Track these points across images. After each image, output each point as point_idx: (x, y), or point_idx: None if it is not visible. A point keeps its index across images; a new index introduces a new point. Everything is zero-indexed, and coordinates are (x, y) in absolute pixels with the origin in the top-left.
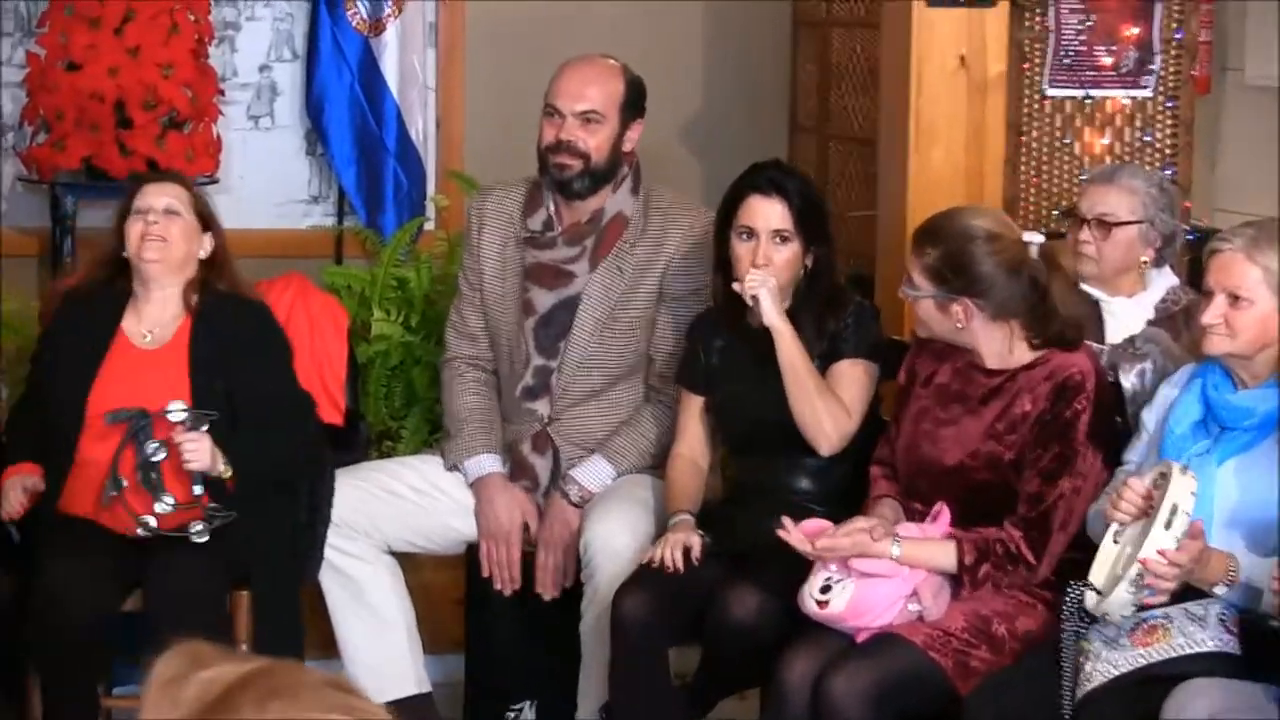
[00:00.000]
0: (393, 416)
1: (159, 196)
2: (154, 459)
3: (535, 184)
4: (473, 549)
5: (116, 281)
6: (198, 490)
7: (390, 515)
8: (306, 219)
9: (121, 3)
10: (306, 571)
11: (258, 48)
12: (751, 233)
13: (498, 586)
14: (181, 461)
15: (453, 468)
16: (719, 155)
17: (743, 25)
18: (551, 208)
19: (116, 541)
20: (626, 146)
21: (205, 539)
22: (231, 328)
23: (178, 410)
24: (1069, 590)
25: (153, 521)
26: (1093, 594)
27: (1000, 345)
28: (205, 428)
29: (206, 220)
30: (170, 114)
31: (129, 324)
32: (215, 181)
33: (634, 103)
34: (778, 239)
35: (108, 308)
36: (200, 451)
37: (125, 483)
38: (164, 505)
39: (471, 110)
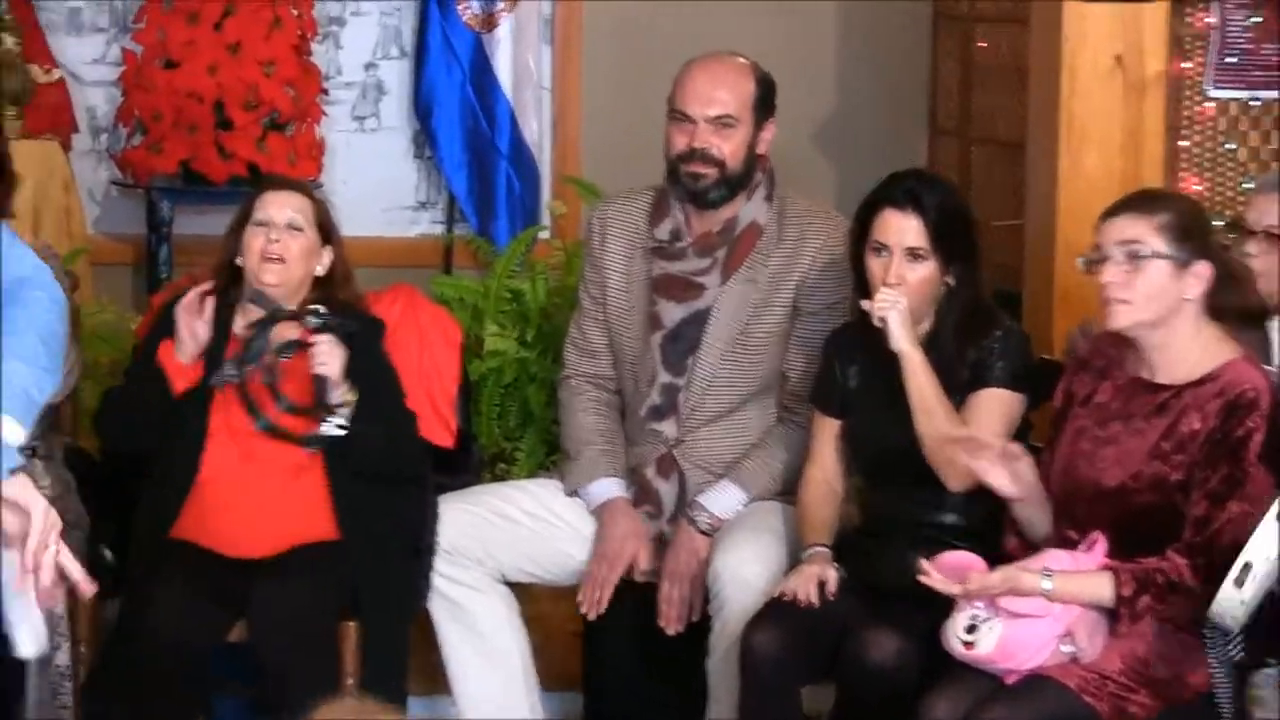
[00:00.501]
0: (507, 438)
1: (282, 209)
2: (281, 355)
3: (661, 191)
4: None
5: (228, 290)
6: (321, 400)
7: (505, 542)
8: (414, 226)
9: None
10: (415, 602)
11: (363, 44)
12: (885, 249)
13: (580, 603)
14: (311, 364)
15: (572, 493)
16: (853, 159)
17: (879, 20)
18: (680, 216)
19: (224, 568)
20: (760, 149)
21: (316, 449)
22: (353, 345)
23: (315, 314)
24: (1208, 629)
25: (266, 417)
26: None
27: (1186, 345)
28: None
29: (327, 233)
30: (272, 115)
31: (240, 322)
32: (318, 186)
33: (766, 102)
34: (912, 257)
35: (217, 317)
36: (333, 358)
37: (239, 372)
38: (283, 404)
39: (589, 111)
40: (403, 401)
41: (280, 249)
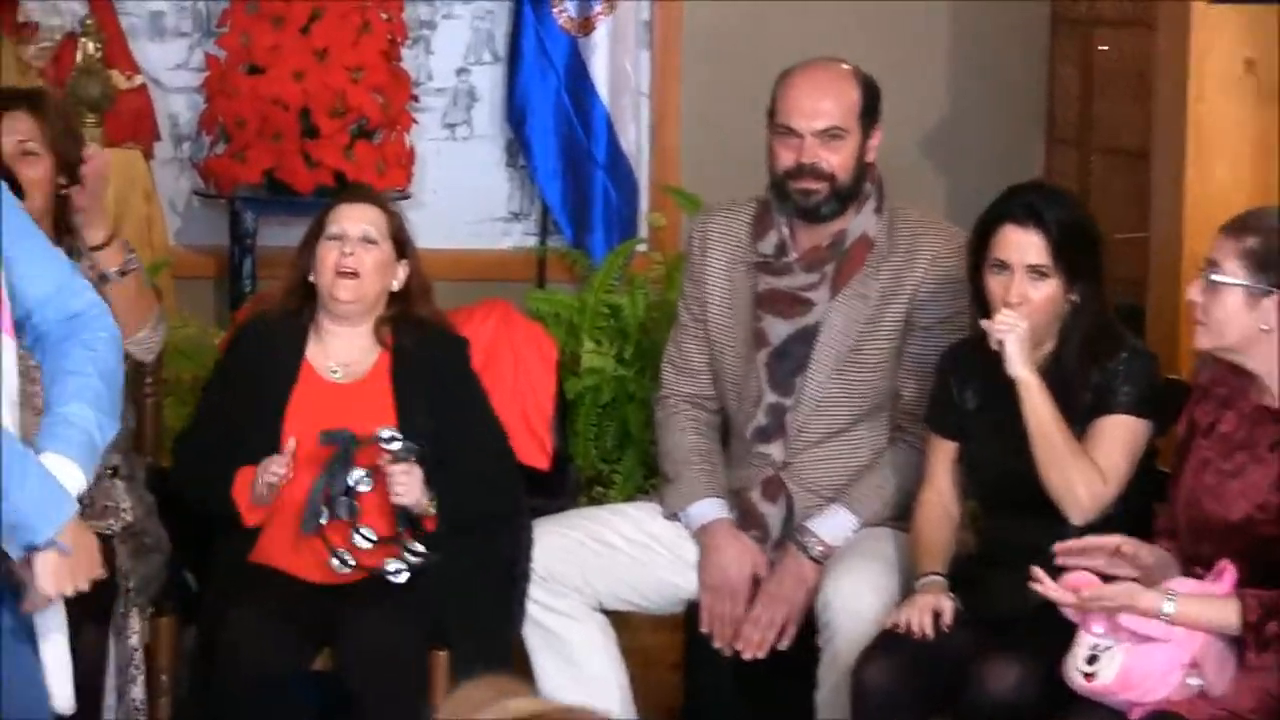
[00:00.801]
0: (604, 459)
1: (355, 222)
2: (358, 488)
3: (764, 203)
4: (693, 608)
5: (303, 309)
6: (400, 527)
7: (602, 569)
8: (506, 238)
9: (309, 2)
10: (509, 630)
11: (455, 49)
12: (1005, 266)
13: (718, 644)
14: (388, 494)
15: (672, 516)
16: (966, 169)
17: (994, 22)
18: (785, 230)
19: (307, 594)
20: (869, 158)
21: (403, 578)
22: (434, 364)
23: (390, 437)
24: None
25: (350, 557)
26: None
27: None
28: (413, 459)
29: (402, 246)
30: (359, 122)
31: (314, 355)
32: (407, 196)
33: (872, 108)
34: (1034, 275)
35: (291, 337)
36: (411, 485)
37: (326, 512)
38: (362, 540)
39: (688, 118)
40: (495, 424)
41: (354, 263)
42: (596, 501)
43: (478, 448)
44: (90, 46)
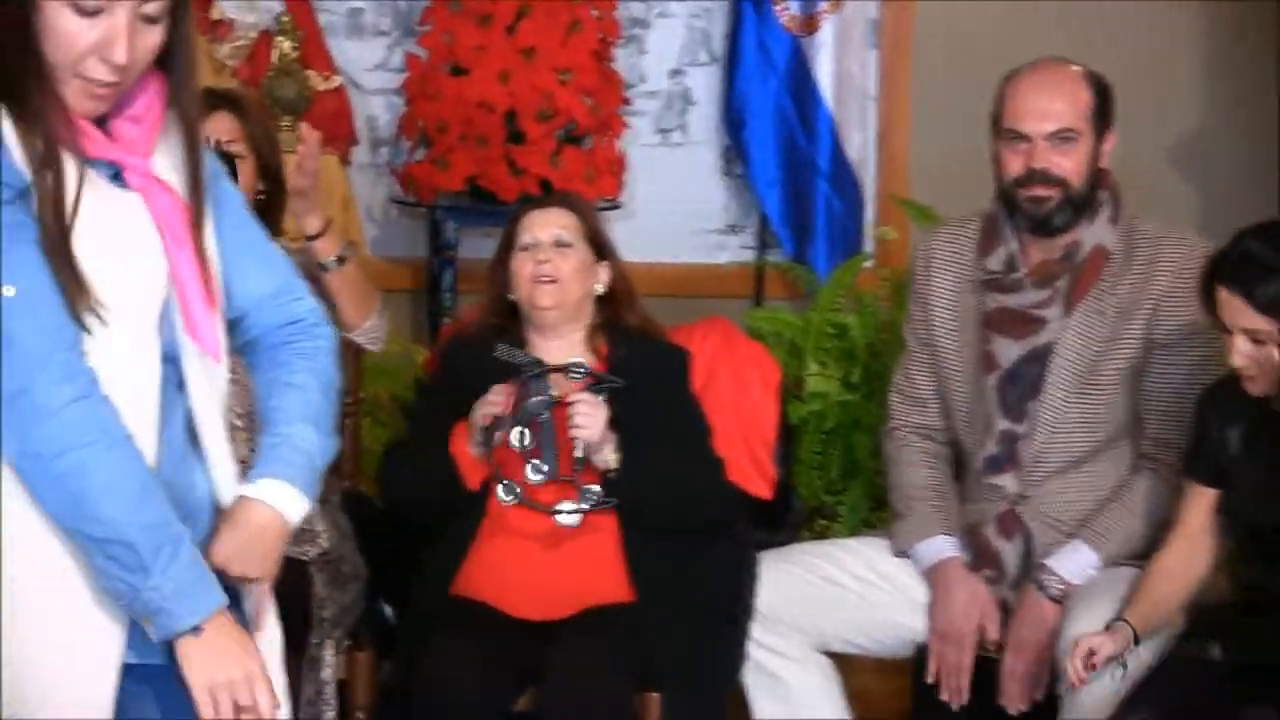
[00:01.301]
0: (828, 490)
1: (546, 228)
2: (539, 416)
3: (990, 216)
4: (922, 651)
5: (507, 327)
6: (577, 466)
7: (828, 608)
8: (722, 252)
9: None
10: (728, 672)
11: (669, 49)
12: (1227, 329)
13: (944, 696)
14: (569, 426)
15: (901, 553)
16: (1216, 181)
17: (1248, 20)
18: (1014, 244)
19: (513, 630)
20: (1103, 163)
21: (574, 521)
22: (652, 375)
23: (578, 364)
24: None
25: (518, 488)
26: None
27: None
28: (604, 397)
29: (601, 248)
30: (568, 126)
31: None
32: (617, 206)
33: (1105, 111)
34: (1253, 338)
35: (495, 364)
36: (594, 420)
37: (499, 436)
38: (536, 471)
39: (918, 124)
40: (708, 443)
41: (551, 269)
42: (820, 535)
43: (692, 460)
44: (286, 45)
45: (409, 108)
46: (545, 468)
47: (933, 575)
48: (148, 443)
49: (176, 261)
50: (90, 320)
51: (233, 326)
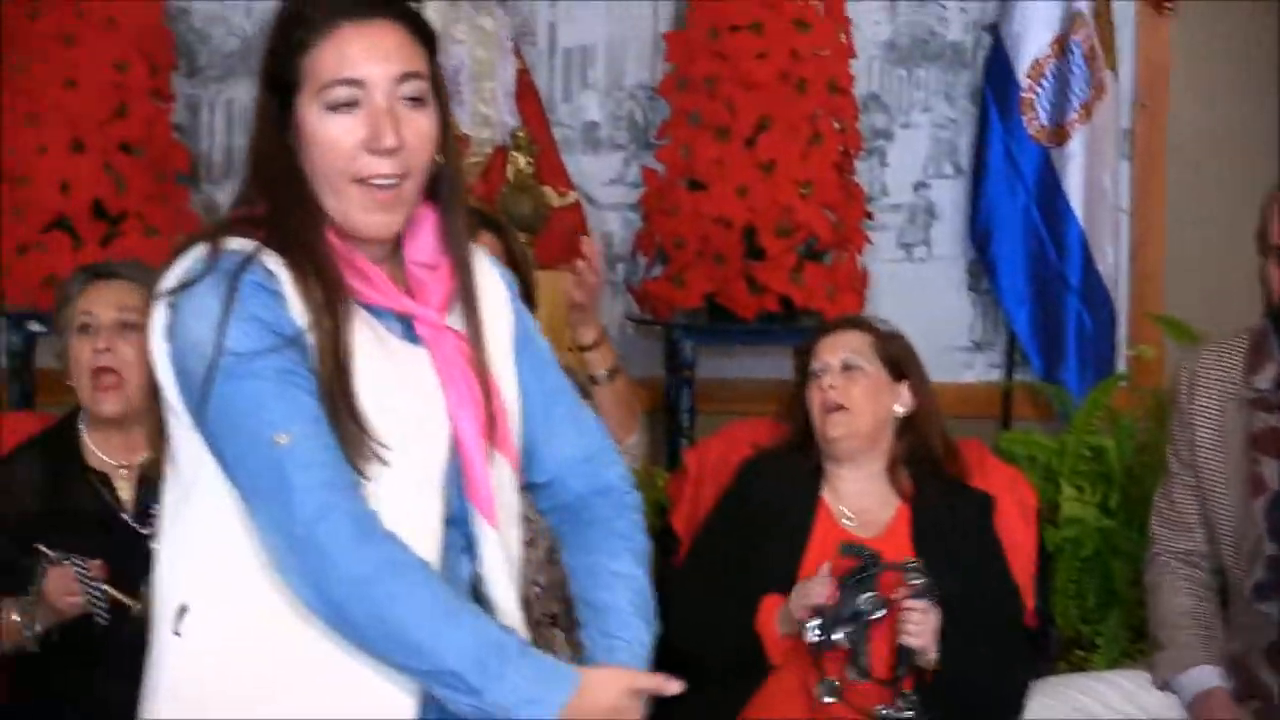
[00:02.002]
0: (1085, 619)
1: (834, 351)
2: (870, 614)
3: (1257, 332)
4: None
5: (810, 447)
6: (900, 671)
7: None
8: (968, 370)
9: (757, 109)
10: None
11: (913, 161)
12: None
13: None
14: (900, 631)
15: (1163, 685)
16: None
17: None
18: None
19: None
20: None
21: None
22: (957, 521)
23: (917, 568)
24: None
25: (839, 688)
26: None
27: None
28: (936, 600)
29: (902, 367)
30: (808, 241)
31: (829, 496)
32: (882, 322)
33: None
34: None
35: (804, 476)
36: (925, 626)
37: (826, 633)
38: (857, 673)
39: (1173, 237)
40: (1016, 592)
41: (839, 395)
42: (1077, 667)
43: (996, 616)
44: (522, 161)
45: (645, 223)
46: (866, 668)
47: (1197, 708)
48: None
49: (459, 419)
50: (369, 468)
51: (540, 490)
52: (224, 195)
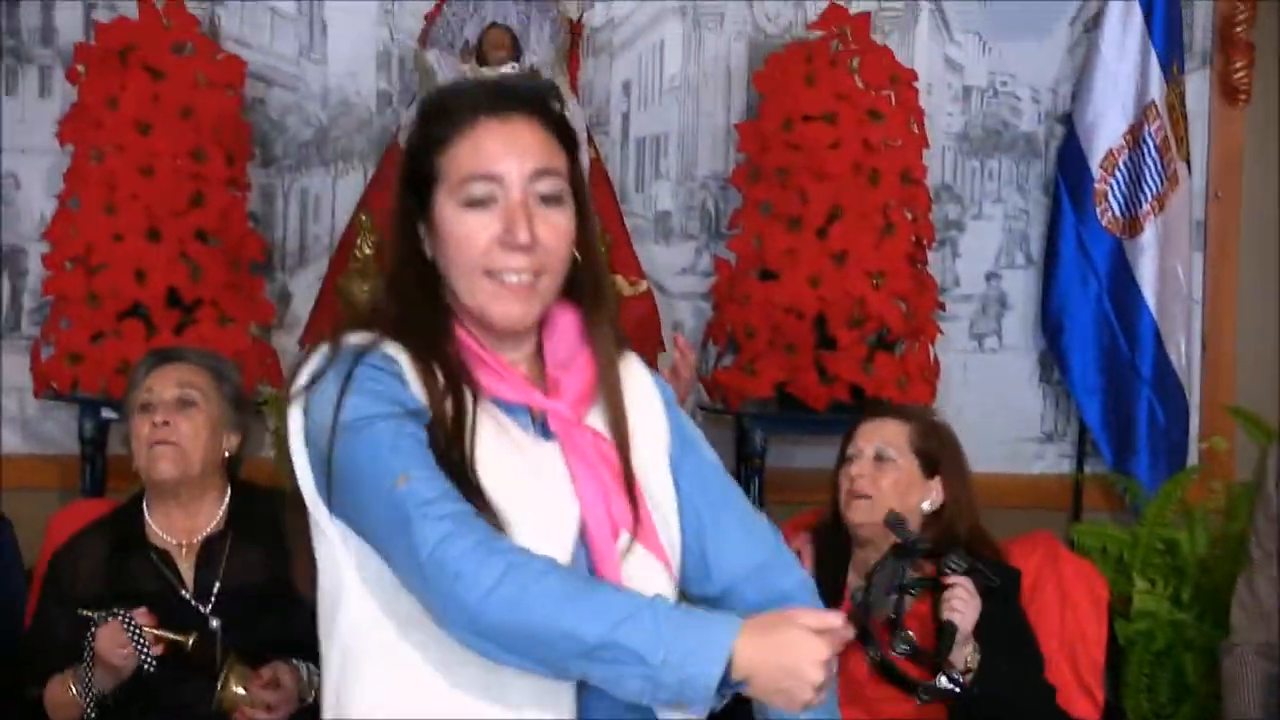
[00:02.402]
0: (1158, 714)
1: (870, 440)
2: (910, 587)
3: None
4: None
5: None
6: (942, 646)
7: None
8: (1038, 461)
9: (829, 199)
10: None
11: (985, 252)
12: None
13: None
14: (945, 608)
15: None
16: None
17: None
18: None
19: None
20: None
21: (925, 700)
22: (984, 598)
23: (959, 559)
24: None
25: (881, 654)
26: None
27: None
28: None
29: (937, 463)
30: (880, 332)
31: (851, 576)
32: (932, 414)
33: None
34: None
35: (832, 553)
36: (971, 608)
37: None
38: (901, 644)
39: (1244, 329)
40: (1041, 671)
41: (866, 485)
42: None
43: (1021, 689)
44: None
45: (717, 312)
46: (909, 645)
47: None
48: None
49: (587, 507)
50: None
51: (716, 605)
52: (298, 284)
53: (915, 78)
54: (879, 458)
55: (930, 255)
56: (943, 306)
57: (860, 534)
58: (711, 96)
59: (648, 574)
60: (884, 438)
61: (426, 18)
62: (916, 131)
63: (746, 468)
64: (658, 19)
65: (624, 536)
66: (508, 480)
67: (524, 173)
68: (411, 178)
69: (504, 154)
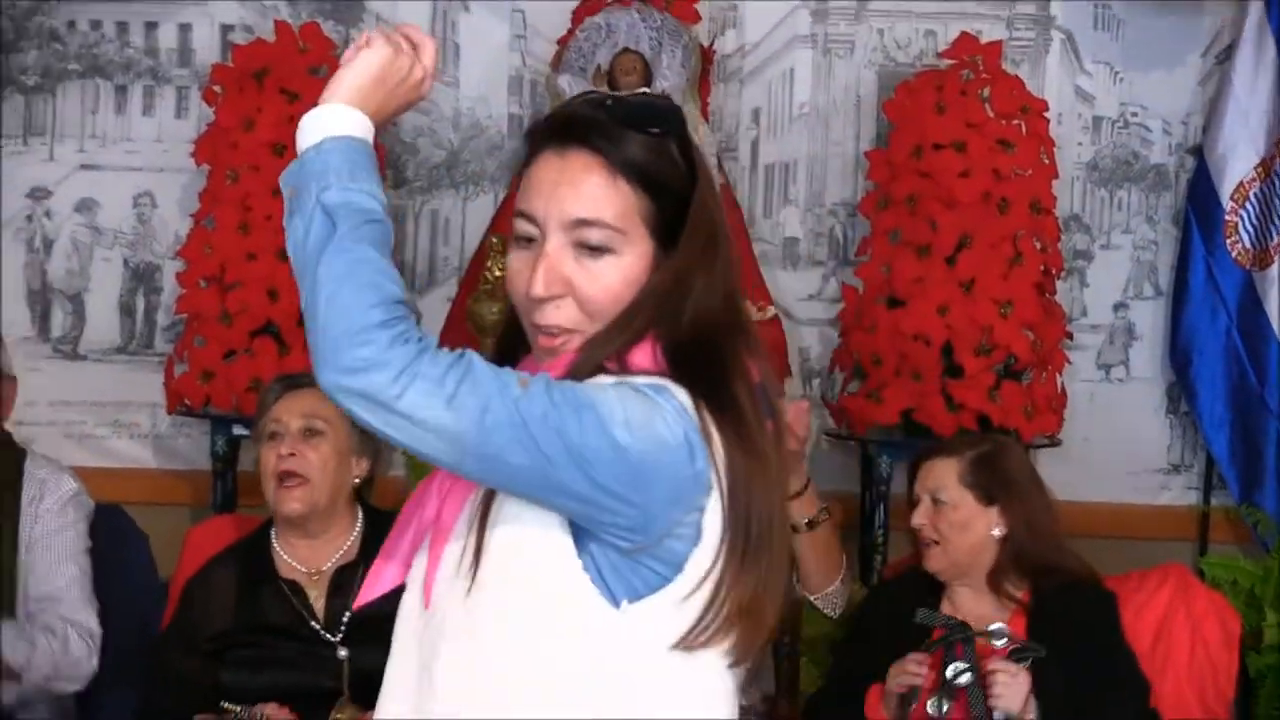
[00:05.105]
0: None
1: (924, 484)
2: (955, 680)
3: None
4: None
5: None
6: None
7: None
8: (1164, 492)
9: (958, 228)
10: None
11: (1113, 282)
12: None
13: None
14: (989, 695)
15: None
16: None
17: None
18: None
19: None
20: None
21: None
22: (1075, 622)
23: (1000, 631)
24: None
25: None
26: None
27: None
28: (1027, 664)
29: (992, 491)
30: (1007, 361)
31: (947, 607)
32: (1057, 444)
33: None
34: None
35: (925, 591)
36: (1015, 690)
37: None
38: None
39: None
40: (1144, 701)
41: (928, 531)
42: None
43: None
44: None
45: (843, 339)
46: None
47: None
48: None
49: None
50: None
51: None
52: (426, 305)
53: (1046, 107)
54: (935, 501)
55: (1058, 285)
56: (1070, 336)
57: (941, 579)
58: (841, 124)
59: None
60: (935, 479)
61: (559, 42)
62: (1046, 161)
63: (871, 494)
64: (788, 46)
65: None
66: None
67: (564, 220)
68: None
69: (549, 194)
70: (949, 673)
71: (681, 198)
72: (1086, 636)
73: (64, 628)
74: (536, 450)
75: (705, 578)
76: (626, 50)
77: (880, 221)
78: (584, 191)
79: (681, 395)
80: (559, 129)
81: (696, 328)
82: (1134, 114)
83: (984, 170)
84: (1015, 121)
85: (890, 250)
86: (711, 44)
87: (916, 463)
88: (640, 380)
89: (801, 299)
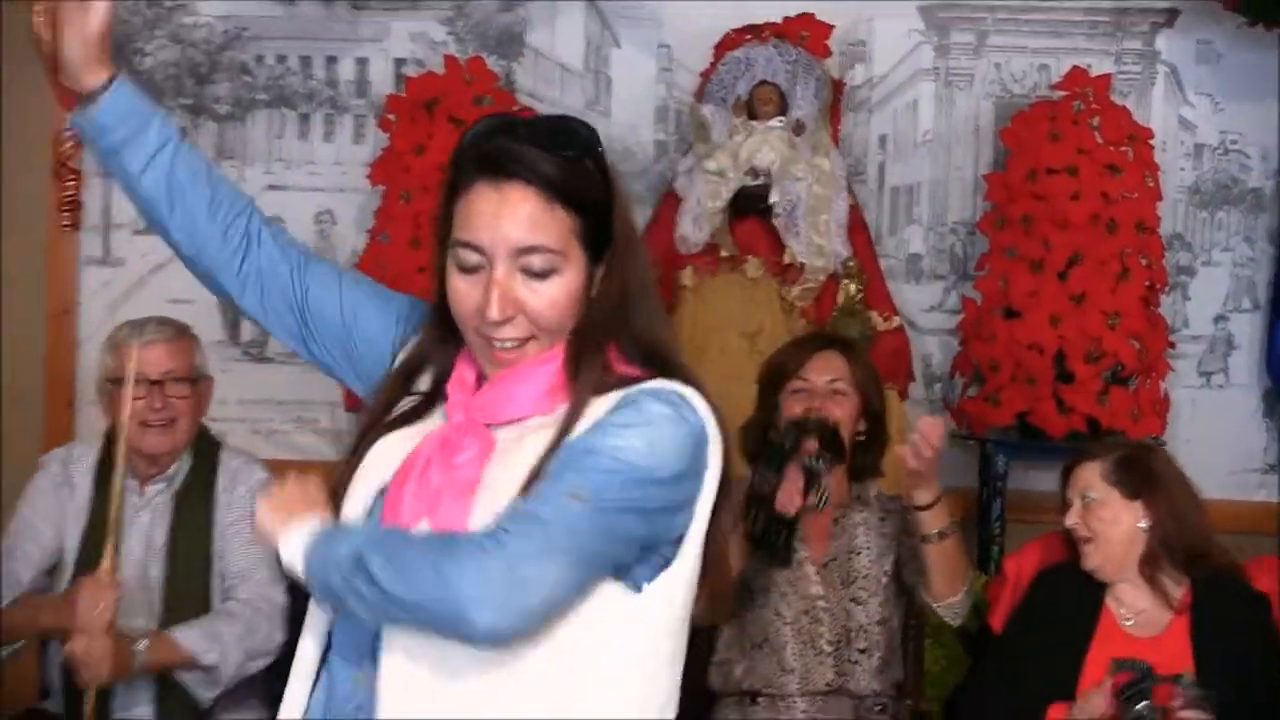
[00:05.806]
0: None
1: (1074, 487)
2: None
3: None
4: None
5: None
6: None
7: None
8: (1260, 490)
9: (1070, 246)
10: None
11: (1214, 296)
12: None
13: None
14: None
15: None
16: None
17: None
18: None
19: None
20: None
21: None
22: (1235, 622)
23: (1190, 682)
24: None
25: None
26: None
27: None
28: (1210, 708)
29: (1136, 485)
30: (1115, 368)
31: (1111, 603)
32: (1161, 444)
33: None
34: None
35: (1091, 583)
36: None
37: None
38: None
39: None
40: None
41: (1081, 530)
42: None
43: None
44: (852, 288)
45: (963, 347)
46: None
47: None
48: None
49: (392, 490)
50: None
51: None
52: None
53: (1151, 135)
54: (1084, 500)
55: (1162, 298)
56: (1173, 345)
57: (1100, 577)
58: (961, 150)
59: None
60: (1084, 480)
61: (702, 75)
62: (1151, 185)
63: (989, 490)
64: (913, 79)
65: (424, 523)
66: (382, 447)
67: (509, 248)
68: (442, 213)
69: (492, 225)
70: (1136, 713)
71: (604, 206)
72: (1242, 640)
73: (247, 612)
74: (612, 546)
75: (698, 548)
76: (764, 82)
77: (997, 239)
78: (523, 222)
79: (688, 393)
80: (490, 163)
81: (642, 326)
82: (1233, 141)
83: (1093, 193)
84: (1123, 148)
85: (1006, 265)
86: (842, 77)
87: (1068, 469)
88: (648, 386)
89: (924, 310)
